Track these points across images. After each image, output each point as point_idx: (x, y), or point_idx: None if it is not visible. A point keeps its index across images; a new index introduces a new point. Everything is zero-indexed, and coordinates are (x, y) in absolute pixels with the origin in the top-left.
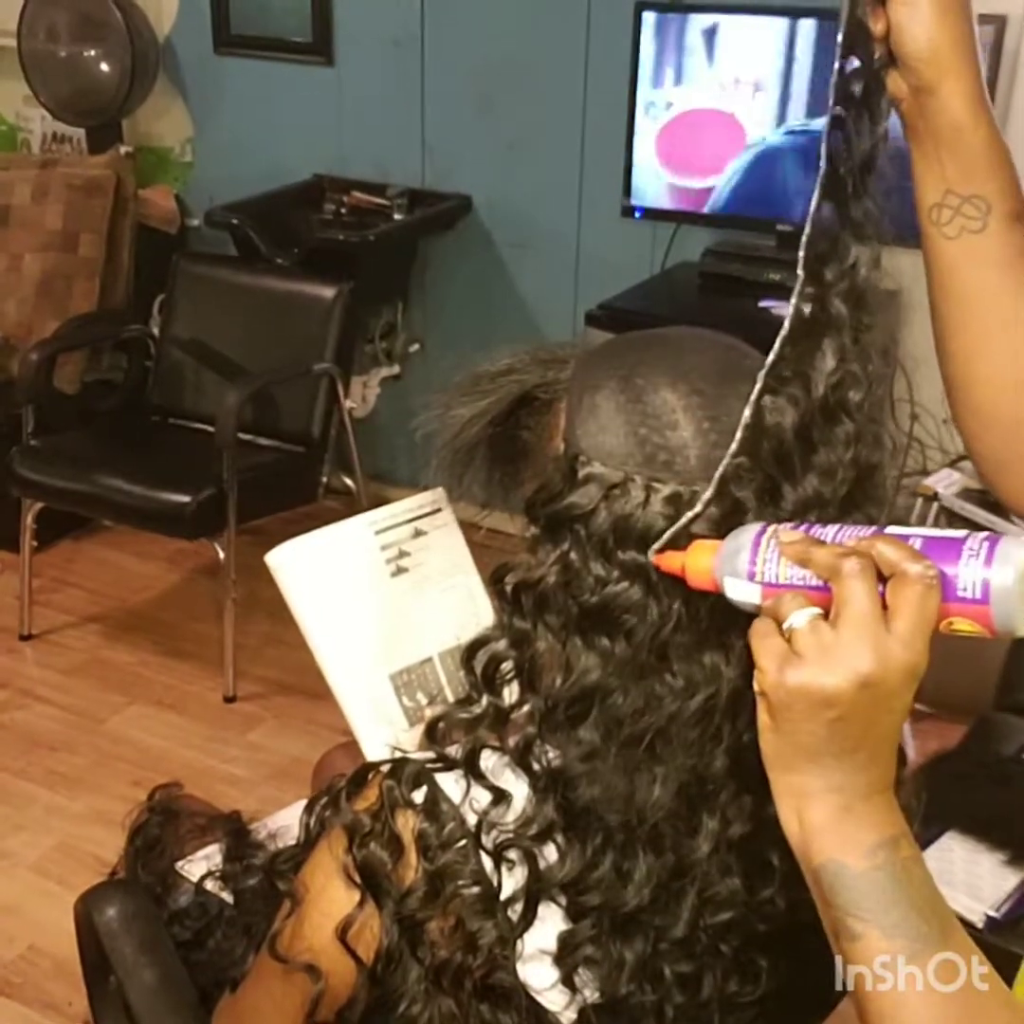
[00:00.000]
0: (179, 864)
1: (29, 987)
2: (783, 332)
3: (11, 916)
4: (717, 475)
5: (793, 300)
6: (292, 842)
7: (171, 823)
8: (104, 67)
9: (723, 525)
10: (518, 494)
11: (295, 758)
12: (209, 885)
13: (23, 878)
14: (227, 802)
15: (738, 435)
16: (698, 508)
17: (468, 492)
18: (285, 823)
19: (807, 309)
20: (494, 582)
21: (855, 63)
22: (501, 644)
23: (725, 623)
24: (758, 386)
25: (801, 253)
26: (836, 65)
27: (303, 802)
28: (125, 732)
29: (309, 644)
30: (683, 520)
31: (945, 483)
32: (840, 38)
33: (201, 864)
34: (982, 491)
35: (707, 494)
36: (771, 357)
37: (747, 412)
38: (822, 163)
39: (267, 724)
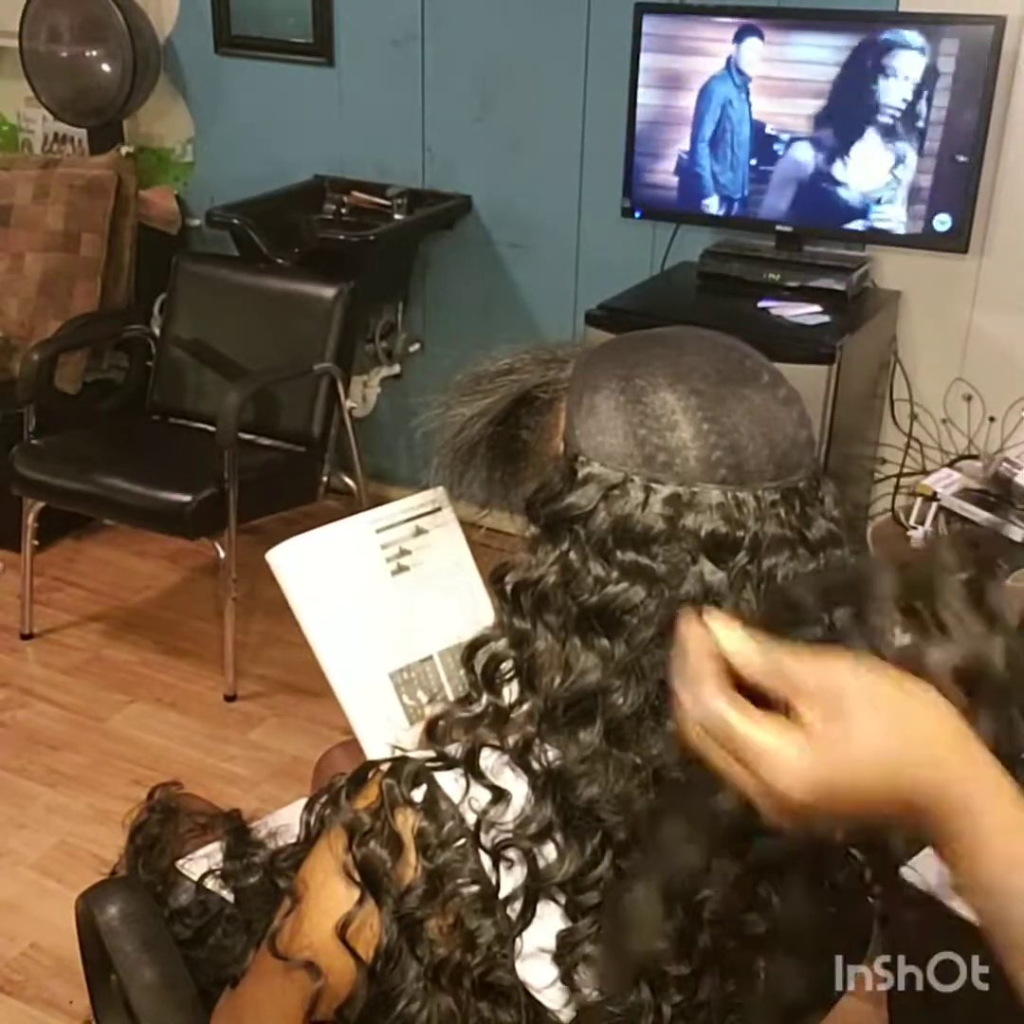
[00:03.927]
0: (180, 862)
1: (30, 985)
2: None
3: (12, 914)
4: None
5: None
6: (292, 840)
7: (171, 822)
8: (105, 68)
9: None
10: (518, 493)
11: (295, 757)
12: (210, 883)
13: (24, 876)
14: (228, 801)
15: None
16: None
17: (468, 491)
18: (285, 821)
19: None
20: (494, 581)
21: None
22: (501, 643)
23: None
24: None
25: None
26: None
27: (303, 800)
28: (126, 731)
29: (310, 642)
30: None
31: (944, 483)
32: None
33: (202, 862)
34: (981, 491)
35: None
36: None
37: None
38: None
39: (268, 723)
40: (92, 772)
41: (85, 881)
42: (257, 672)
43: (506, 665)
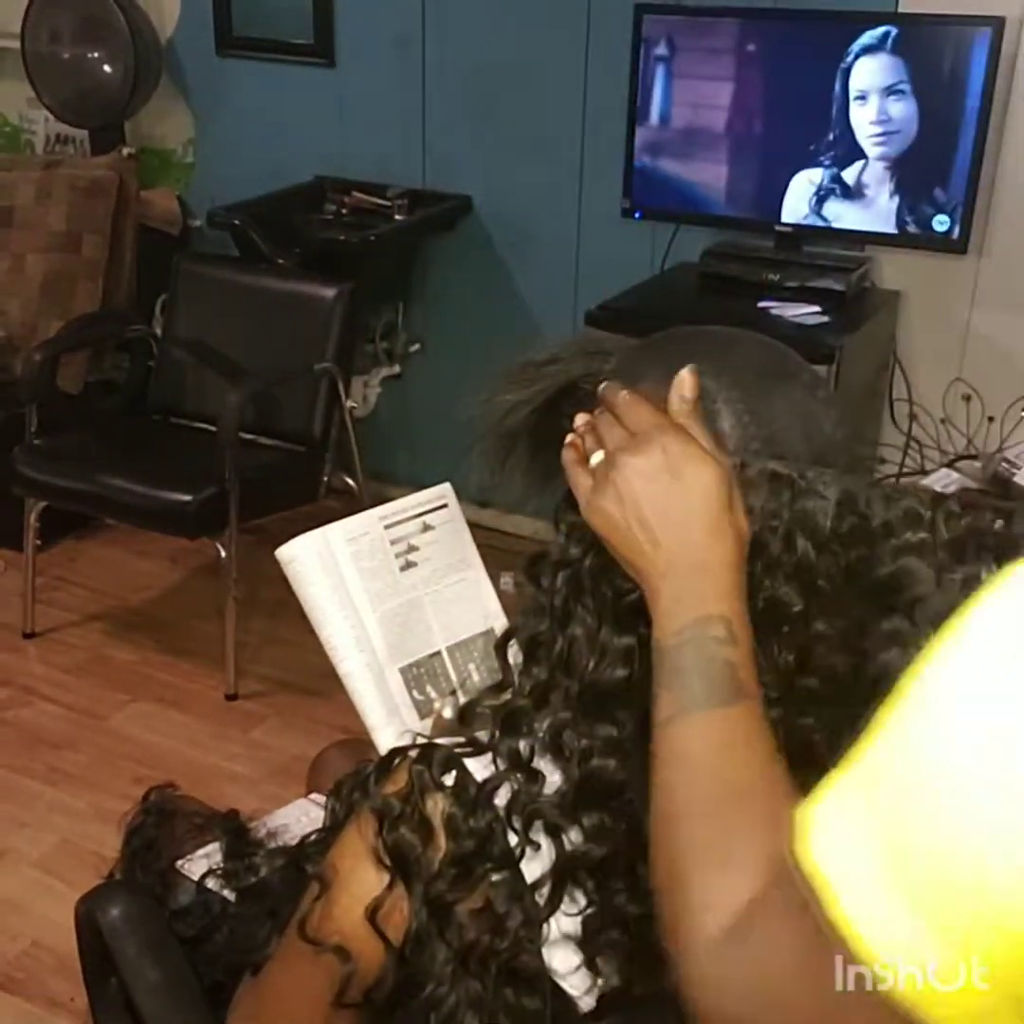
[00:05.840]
0: (179, 863)
1: (32, 983)
2: None
3: (14, 912)
4: None
5: None
6: (291, 840)
7: (167, 823)
8: (107, 69)
9: None
10: (557, 481)
11: (296, 756)
12: (210, 883)
13: (26, 875)
14: (228, 800)
15: None
16: None
17: (509, 477)
18: (284, 821)
19: None
20: (531, 564)
21: None
22: (538, 628)
23: (772, 623)
24: None
25: None
26: None
27: (301, 801)
28: (127, 730)
29: (320, 637)
30: None
31: (943, 483)
32: None
33: (201, 863)
34: (982, 491)
35: None
36: None
37: None
38: None
39: (269, 722)
40: (94, 771)
41: (86, 880)
42: (258, 671)
43: (541, 651)
